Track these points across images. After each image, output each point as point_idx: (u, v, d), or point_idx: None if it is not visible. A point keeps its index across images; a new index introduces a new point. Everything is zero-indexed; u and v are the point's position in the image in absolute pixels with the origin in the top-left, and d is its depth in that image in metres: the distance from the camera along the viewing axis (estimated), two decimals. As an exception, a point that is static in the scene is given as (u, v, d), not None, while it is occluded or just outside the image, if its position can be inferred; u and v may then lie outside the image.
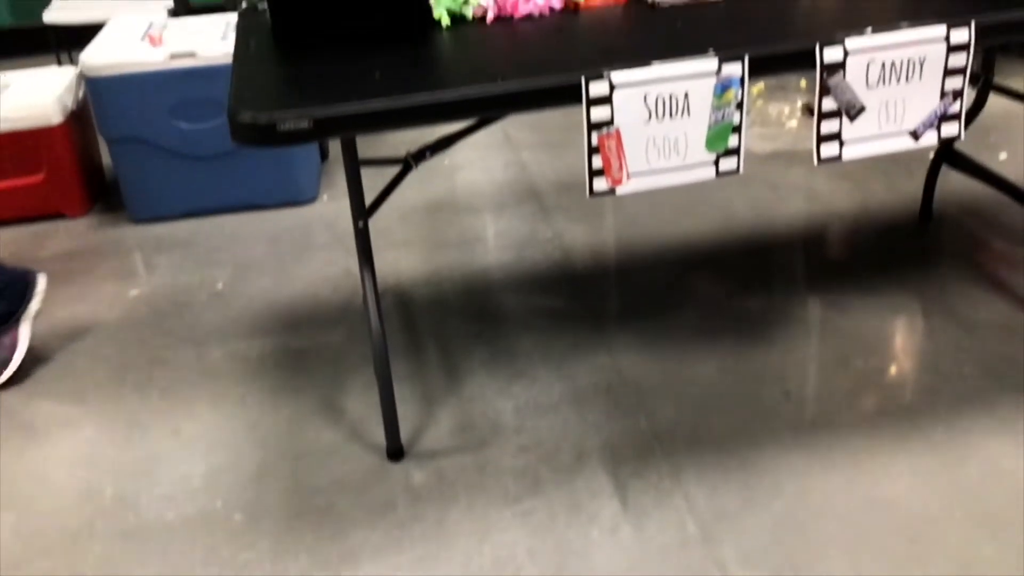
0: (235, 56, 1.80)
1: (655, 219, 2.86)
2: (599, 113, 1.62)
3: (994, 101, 2.41)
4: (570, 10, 1.96)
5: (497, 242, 2.85)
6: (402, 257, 2.79)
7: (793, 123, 3.46)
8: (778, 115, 3.54)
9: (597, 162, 1.67)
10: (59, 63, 3.73)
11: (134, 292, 2.68)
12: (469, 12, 1.93)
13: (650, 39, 1.79)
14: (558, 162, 3.30)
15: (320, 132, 1.53)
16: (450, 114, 1.63)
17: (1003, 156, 3.03)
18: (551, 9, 1.96)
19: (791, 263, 2.67)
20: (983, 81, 2.30)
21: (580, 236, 2.83)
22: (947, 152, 2.57)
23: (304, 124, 1.51)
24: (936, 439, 1.93)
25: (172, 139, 2.89)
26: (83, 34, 3.32)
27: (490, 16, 1.92)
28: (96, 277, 2.77)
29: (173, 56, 2.80)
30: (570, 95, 1.61)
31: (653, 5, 1.92)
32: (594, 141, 1.65)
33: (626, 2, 1.98)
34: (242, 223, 3.02)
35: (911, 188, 2.84)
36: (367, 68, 1.68)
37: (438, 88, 1.57)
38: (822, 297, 2.46)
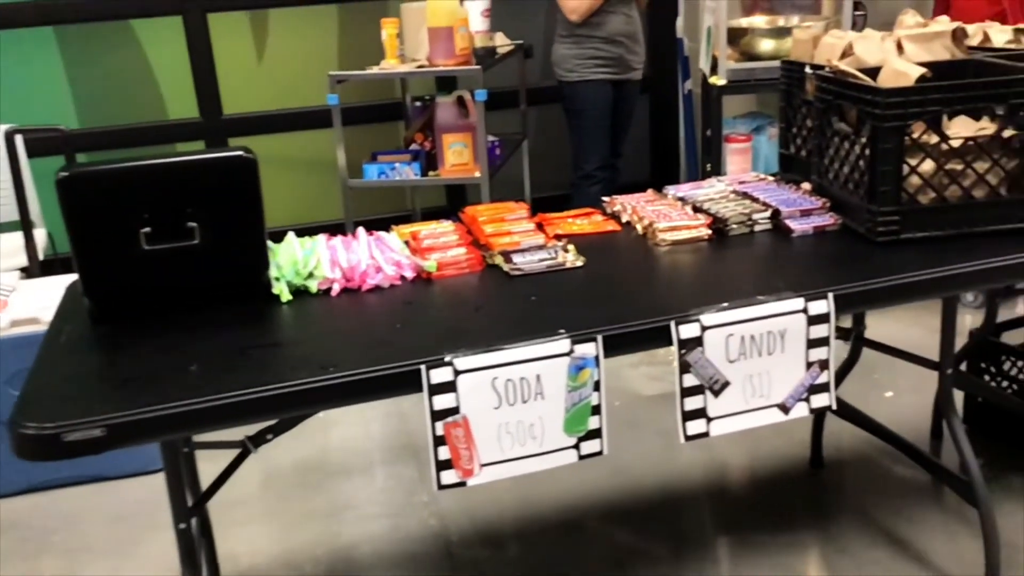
0: (41, 345, 1.61)
1: (537, 476, 2.66)
2: (443, 401, 1.47)
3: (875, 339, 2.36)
4: (422, 279, 1.86)
5: (369, 510, 2.61)
6: (259, 534, 2.51)
7: (680, 362, 3.40)
8: (666, 353, 3.47)
9: (444, 453, 1.50)
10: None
11: (-58, 594, 2.33)
12: (313, 286, 1.80)
13: (502, 314, 1.68)
14: (440, 412, 3.12)
15: (116, 440, 1.34)
16: (273, 411, 1.45)
17: (889, 394, 2.99)
18: (403, 278, 1.85)
19: (685, 524, 2.48)
20: (854, 336, 2.26)
21: (458, 498, 2.61)
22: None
23: (96, 433, 1.32)
24: None
25: (8, 410, 2.61)
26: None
27: (336, 290, 1.80)
28: (-99, 575, 2.41)
29: (15, 323, 2.59)
30: (410, 383, 1.46)
31: (508, 273, 1.83)
32: (439, 431, 1.49)
33: (482, 269, 1.89)
34: (84, 498, 2.71)
35: (800, 430, 2.74)
36: (185, 358, 1.51)
37: (259, 383, 1.40)
38: (722, 568, 2.27)
